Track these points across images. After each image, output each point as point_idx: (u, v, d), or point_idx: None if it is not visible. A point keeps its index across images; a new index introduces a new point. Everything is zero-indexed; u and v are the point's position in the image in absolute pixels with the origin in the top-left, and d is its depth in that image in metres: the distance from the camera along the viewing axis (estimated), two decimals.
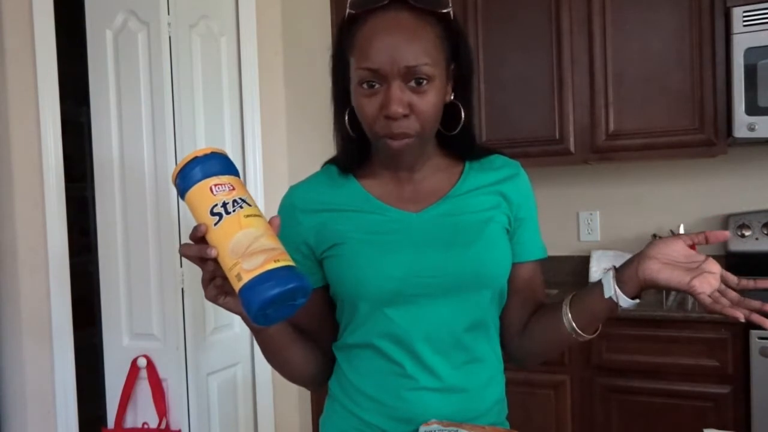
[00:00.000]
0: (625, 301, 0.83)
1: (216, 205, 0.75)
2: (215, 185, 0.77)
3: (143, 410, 2.11)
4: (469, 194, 0.95)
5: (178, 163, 0.79)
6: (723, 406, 1.85)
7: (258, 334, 0.88)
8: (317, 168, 1.06)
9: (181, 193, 0.79)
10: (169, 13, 2.08)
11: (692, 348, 1.88)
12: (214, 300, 0.78)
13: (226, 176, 0.78)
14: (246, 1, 2.31)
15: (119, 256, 2.15)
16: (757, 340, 1.79)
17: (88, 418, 2.32)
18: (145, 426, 2.09)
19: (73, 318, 2.17)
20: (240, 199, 0.77)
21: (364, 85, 0.86)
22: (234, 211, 0.75)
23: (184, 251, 0.76)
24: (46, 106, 2.10)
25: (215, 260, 0.74)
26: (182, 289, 2.11)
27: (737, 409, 1.84)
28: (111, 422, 2.13)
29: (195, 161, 0.78)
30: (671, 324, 1.90)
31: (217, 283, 0.77)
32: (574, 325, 0.89)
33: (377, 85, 0.85)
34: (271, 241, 0.75)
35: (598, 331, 0.91)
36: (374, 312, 0.91)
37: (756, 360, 1.79)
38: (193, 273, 2.15)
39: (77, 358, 2.18)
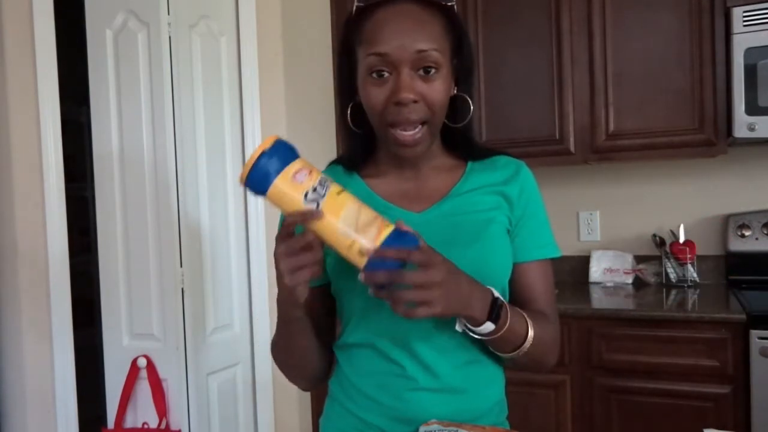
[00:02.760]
0: (461, 326, 0.86)
1: (308, 192, 0.77)
2: (295, 173, 0.78)
3: (143, 410, 2.11)
4: (470, 194, 0.96)
5: (245, 163, 0.78)
6: (723, 406, 1.85)
7: (292, 320, 0.88)
8: (317, 168, 1.05)
9: (261, 190, 0.79)
10: (169, 13, 2.08)
11: (692, 348, 1.88)
12: (297, 284, 0.79)
13: (298, 160, 0.79)
14: (246, 1, 2.31)
15: (119, 256, 2.15)
16: (757, 340, 1.78)
17: (88, 418, 2.32)
18: (145, 426, 2.09)
19: (73, 318, 2.17)
20: (323, 178, 0.79)
21: (374, 74, 0.87)
22: (325, 192, 0.78)
23: (291, 247, 0.78)
24: (46, 106, 2.10)
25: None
26: (182, 289, 2.11)
27: (737, 409, 1.84)
28: (111, 422, 2.13)
29: (264, 155, 0.78)
30: (671, 324, 1.90)
31: (316, 270, 0.79)
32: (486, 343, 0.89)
33: (386, 74, 0.86)
34: (369, 210, 0.79)
35: (518, 350, 0.88)
36: (373, 310, 0.91)
37: (756, 360, 1.79)
38: (194, 273, 2.15)
39: (77, 358, 2.18)
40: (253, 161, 0.78)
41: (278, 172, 0.78)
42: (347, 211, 0.78)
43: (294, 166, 0.78)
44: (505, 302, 0.87)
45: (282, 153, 0.79)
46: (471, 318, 0.83)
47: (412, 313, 0.76)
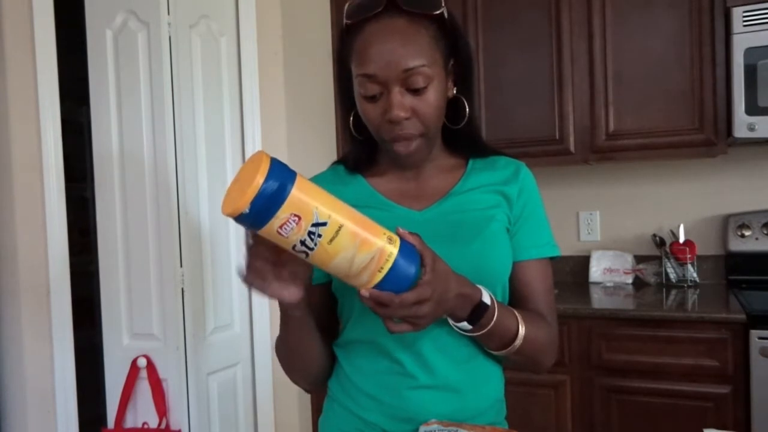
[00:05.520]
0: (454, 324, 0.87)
1: (295, 245, 0.70)
2: (280, 227, 0.68)
3: (143, 410, 2.11)
4: (470, 192, 0.97)
5: (236, 192, 0.69)
6: (723, 406, 1.85)
7: (292, 320, 0.88)
8: (317, 168, 1.06)
9: (257, 226, 0.70)
10: (169, 13, 2.08)
11: (692, 348, 1.88)
12: (273, 297, 0.78)
13: (284, 206, 0.68)
14: (246, 1, 2.31)
15: (119, 256, 2.15)
16: (757, 340, 1.78)
17: (88, 418, 2.32)
18: (145, 426, 2.09)
19: (73, 318, 2.17)
20: (313, 226, 0.69)
21: (367, 94, 0.88)
22: (315, 245, 0.70)
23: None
24: (46, 106, 2.10)
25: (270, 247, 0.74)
26: (182, 289, 2.11)
27: (737, 409, 1.84)
28: (111, 422, 2.13)
29: (245, 216, 0.68)
30: (671, 324, 1.90)
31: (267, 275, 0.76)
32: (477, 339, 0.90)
33: (377, 93, 0.87)
34: (364, 254, 0.72)
35: (508, 348, 0.89)
36: None
37: (756, 360, 1.79)
38: (194, 273, 2.15)
39: (77, 358, 2.18)
40: (255, 191, 0.66)
41: (263, 226, 0.68)
42: (337, 262, 0.72)
43: (280, 218, 0.68)
44: (495, 302, 0.87)
45: (266, 204, 0.67)
46: (452, 316, 0.85)
47: (395, 328, 0.78)
